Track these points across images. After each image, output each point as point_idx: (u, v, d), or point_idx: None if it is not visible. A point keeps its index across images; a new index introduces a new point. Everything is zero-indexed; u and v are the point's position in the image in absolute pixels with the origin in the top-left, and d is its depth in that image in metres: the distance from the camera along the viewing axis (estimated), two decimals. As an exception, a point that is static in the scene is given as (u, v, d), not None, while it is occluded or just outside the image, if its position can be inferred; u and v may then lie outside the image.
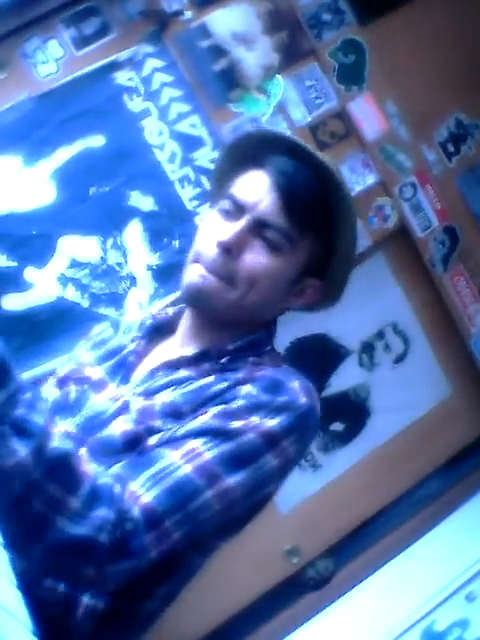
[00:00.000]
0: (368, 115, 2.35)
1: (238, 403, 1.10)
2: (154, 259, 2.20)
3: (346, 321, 2.32)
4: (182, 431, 1.09)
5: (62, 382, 1.31)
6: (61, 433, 0.98)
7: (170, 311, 1.34)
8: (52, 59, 2.14)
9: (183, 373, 1.18)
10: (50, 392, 1.30)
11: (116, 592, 1.06)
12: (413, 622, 2.06)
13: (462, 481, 2.43)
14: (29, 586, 1.06)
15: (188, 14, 2.22)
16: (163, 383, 1.18)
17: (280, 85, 2.30)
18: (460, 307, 2.44)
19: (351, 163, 2.35)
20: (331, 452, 2.35)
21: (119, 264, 2.18)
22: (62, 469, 0.96)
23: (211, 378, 1.16)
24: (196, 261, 1.20)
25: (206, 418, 1.09)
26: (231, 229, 1.17)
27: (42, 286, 2.11)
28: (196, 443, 1.07)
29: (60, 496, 0.95)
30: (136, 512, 1.00)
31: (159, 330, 1.32)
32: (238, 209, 1.19)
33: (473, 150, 2.51)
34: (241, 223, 1.17)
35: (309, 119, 2.32)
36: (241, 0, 2.26)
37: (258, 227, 1.17)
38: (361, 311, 2.34)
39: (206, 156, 2.24)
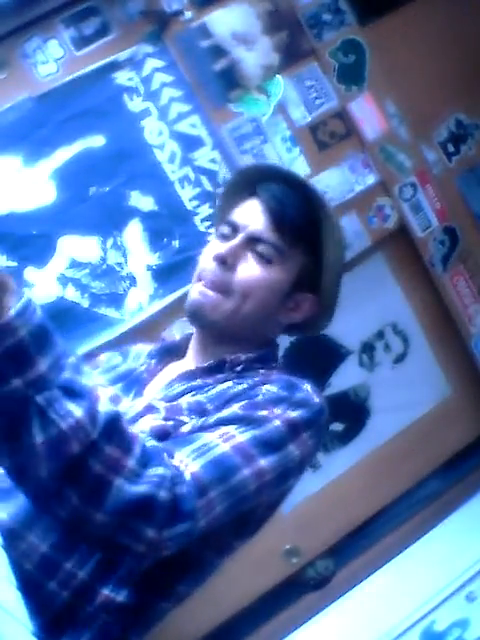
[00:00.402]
0: (368, 115, 2.36)
1: (260, 397, 1.17)
2: (154, 259, 2.20)
3: (346, 321, 2.31)
4: (212, 420, 1.14)
5: None
6: (107, 395, 0.99)
7: (177, 336, 1.42)
8: (52, 59, 2.14)
9: (200, 382, 1.25)
10: None
11: (139, 588, 1.09)
12: (413, 622, 2.06)
13: (462, 481, 2.43)
14: (45, 575, 1.06)
15: (188, 14, 2.22)
16: (183, 390, 1.24)
17: (280, 85, 2.30)
18: (460, 307, 2.44)
19: (351, 163, 2.35)
20: (331, 452, 2.35)
21: (119, 264, 2.18)
22: (116, 429, 0.96)
23: (229, 383, 1.23)
24: (198, 280, 1.30)
25: (233, 409, 1.15)
26: (226, 245, 1.28)
27: (42, 286, 2.11)
28: (229, 428, 1.12)
29: (117, 456, 0.95)
30: (188, 477, 1.03)
31: (169, 352, 1.39)
32: (234, 231, 1.30)
33: (473, 150, 2.51)
34: (236, 240, 1.28)
35: (309, 119, 2.32)
36: (241, 0, 2.26)
37: (251, 242, 1.28)
38: (361, 311, 2.34)
39: (206, 156, 2.24)
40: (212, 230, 2.24)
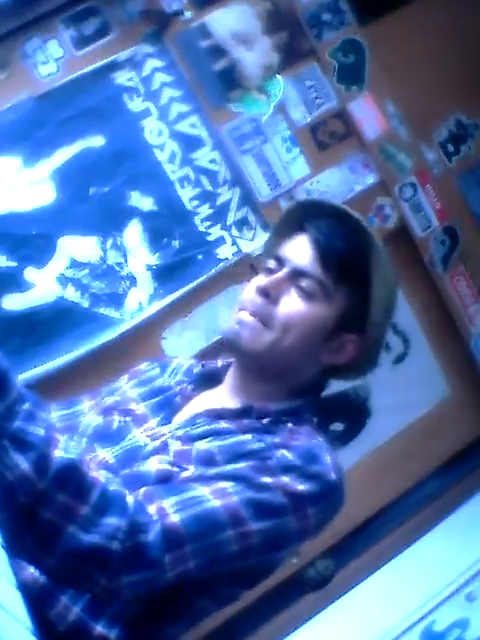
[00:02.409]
0: (368, 115, 2.35)
1: (273, 461, 1.13)
2: (154, 259, 2.20)
3: (346, 321, 2.32)
4: (213, 471, 1.12)
5: (106, 411, 1.32)
6: (65, 440, 0.98)
7: (219, 363, 1.39)
8: (52, 59, 2.14)
9: (223, 425, 1.21)
10: (92, 420, 1.31)
11: (130, 626, 1.08)
12: (413, 622, 2.06)
13: (462, 481, 2.43)
14: (43, 606, 1.05)
15: (188, 14, 2.22)
16: (203, 431, 1.21)
17: (280, 85, 2.30)
18: (460, 307, 2.44)
19: (351, 163, 2.35)
20: (331, 452, 2.35)
21: (119, 264, 2.18)
22: (70, 476, 0.96)
23: (249, 436, 1.18)
24: (240, 310, 1.27)
25: (239, 466, 1.12)
26: (270, 277, 1.26)
27: (42, 286, 2.11)
28: (226, 484, 1.09)
29: (70, 504, 0.95)
30: (158, 527, 1.01)
31: (207, 378, 1.35)
32: (280, 264, 1.27)
33: (473, 150, 2.51)
34: (280, 273, 1.26)
35: (309, 119, 2.32)
36: (241, 0, 2.26)
37: (295, 276, 1.25)
38: (361, 311, 2.34)
39: (206, 156, 2.24)
40: (212, 229, 2.25)
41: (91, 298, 2.15)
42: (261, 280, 1.27)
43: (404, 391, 2.41)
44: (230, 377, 1.31)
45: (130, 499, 1.01)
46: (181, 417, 1.27)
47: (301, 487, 1.12)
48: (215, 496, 1.07)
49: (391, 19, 2.39)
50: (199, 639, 2.11)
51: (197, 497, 1.07)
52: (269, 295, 1.24)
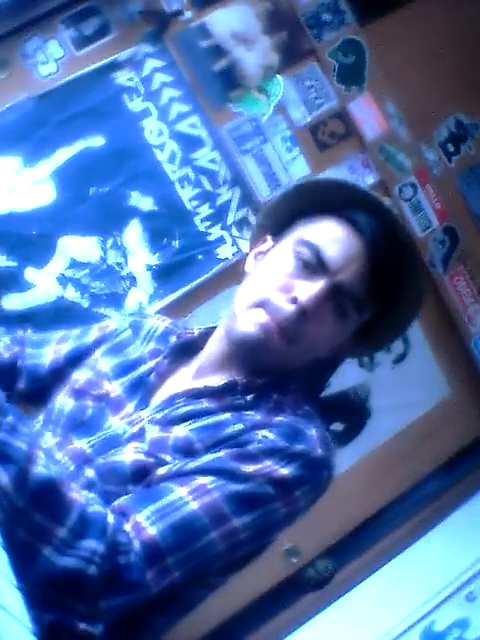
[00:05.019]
0: (368, 115, 2.35)
1: (254, 446, 1.08)
2: (154, 259, 2.20)
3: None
4: (192, 465, 1.07)
5: (79, 394, 1.26)
6: (46, 458, 0.95)
7: (196, 331, 1.30)
8: (52, 59, 2.14)
9: (205, 404, 1.16)
10: (65, 403, 1.26)
11: (116, 622, 1.03)
12: (413, 622, 2.06)
13: (462, 481, 2.43)
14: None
15: (188, 14, 2.22)
16: (181, 414, 1.15)
17: (280, 85, 2.30)
18: (460, 307, 2.44)
19: (351, 163, 2.35)
20: (331, 452, 2.35)
21: (119, 264, 2.18)
22: (48, 496, 0.92)
23: (228, 416, 1.13)
24: (260, 306, 1.15)
25: (218, 456, 1.08)
26: (310, 290, 1.13)
27: (42, 286, 2.11)
28: (205, 480, 1.05)
29: (46, 525, 0.91)
30: (137, 545, 0.98)
31: (183, 350, 1.28)
32: (320, 264, 1.14)
33: (473, 150, 2.51)
34: (320, 285, 1.13)
35: (309, 119, 2.32)
36: (241, 0, 2.26)
37: (336, 292, 1.14)
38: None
39: (206, 156, 2.24)
40: (212, 229, 2.25)
41: (91, 298, 2.15)
42: (298, 286, 1.13)
43: (404, 391, 2.41)
44: (211, 349, 1.23)
45: (110, 519, 0.97)
46: (159, 398, 1.21)
47: (285, 471, 1.07)
48: (194, 496, 1.03)
49: (391, 19, 2.39)
50: (199, 639, 2.12)
51: (174, 502, 1.02)
52: (307, 315, 1.12)
